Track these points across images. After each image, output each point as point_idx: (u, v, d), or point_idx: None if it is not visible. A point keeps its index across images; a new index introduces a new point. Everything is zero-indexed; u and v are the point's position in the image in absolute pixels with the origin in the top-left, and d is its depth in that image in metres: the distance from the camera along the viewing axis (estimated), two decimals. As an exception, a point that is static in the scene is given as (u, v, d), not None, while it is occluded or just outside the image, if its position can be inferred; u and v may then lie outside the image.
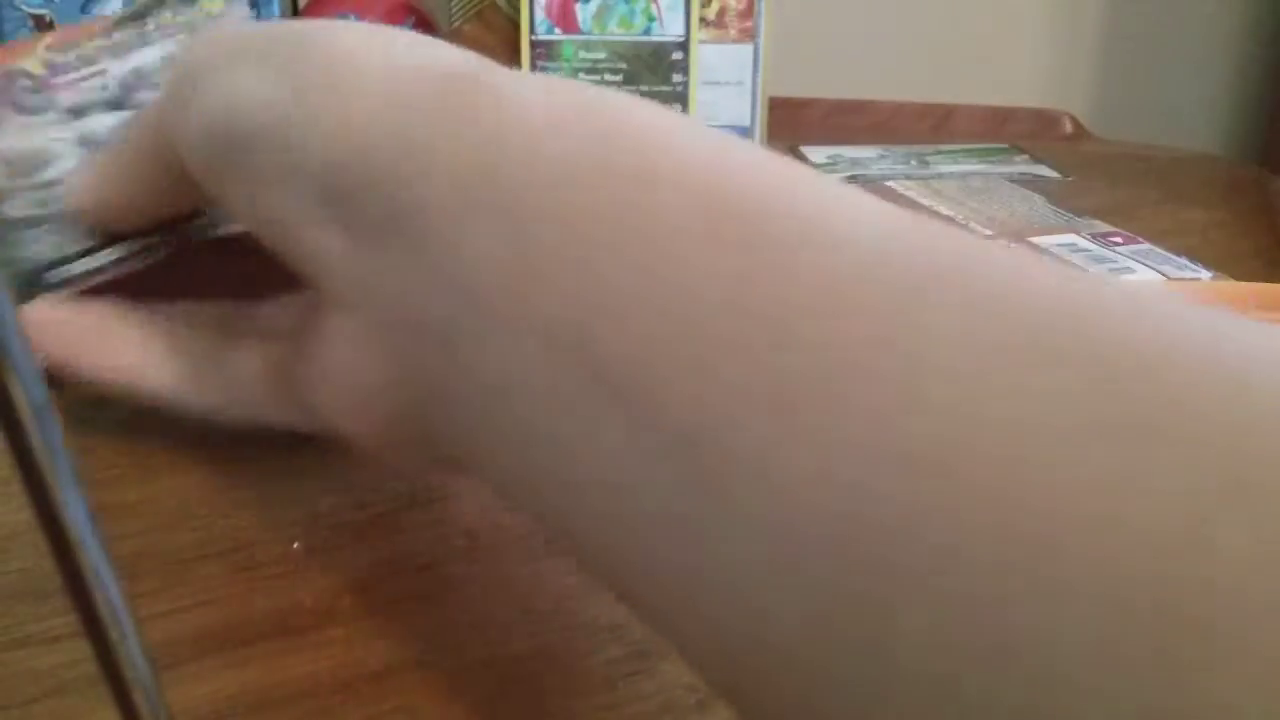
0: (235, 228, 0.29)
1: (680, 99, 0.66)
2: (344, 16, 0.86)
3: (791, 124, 0.74)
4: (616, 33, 0.64)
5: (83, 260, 0.29)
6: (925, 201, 0.57)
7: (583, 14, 0.64)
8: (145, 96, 0.31)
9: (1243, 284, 0.42)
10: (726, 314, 0.15)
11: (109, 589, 0.12)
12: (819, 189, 0.17)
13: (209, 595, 0.24)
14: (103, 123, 0.30)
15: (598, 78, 0.67)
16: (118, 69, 0.30)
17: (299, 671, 0.22)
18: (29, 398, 0.11)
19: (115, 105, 0.30)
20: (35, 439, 0.11)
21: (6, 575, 0.24)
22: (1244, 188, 0.65)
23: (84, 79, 0.30)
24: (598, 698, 0.22)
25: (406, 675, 0.22)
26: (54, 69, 0.30)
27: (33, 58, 0.31)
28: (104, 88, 0.30)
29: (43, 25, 0.88)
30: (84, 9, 0.88)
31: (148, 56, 0.31)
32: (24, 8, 0.86)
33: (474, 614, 0.24)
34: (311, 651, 0.22)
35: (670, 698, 0.22)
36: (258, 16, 0.88)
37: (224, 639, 0.23)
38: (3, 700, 0.21)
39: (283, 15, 0.90)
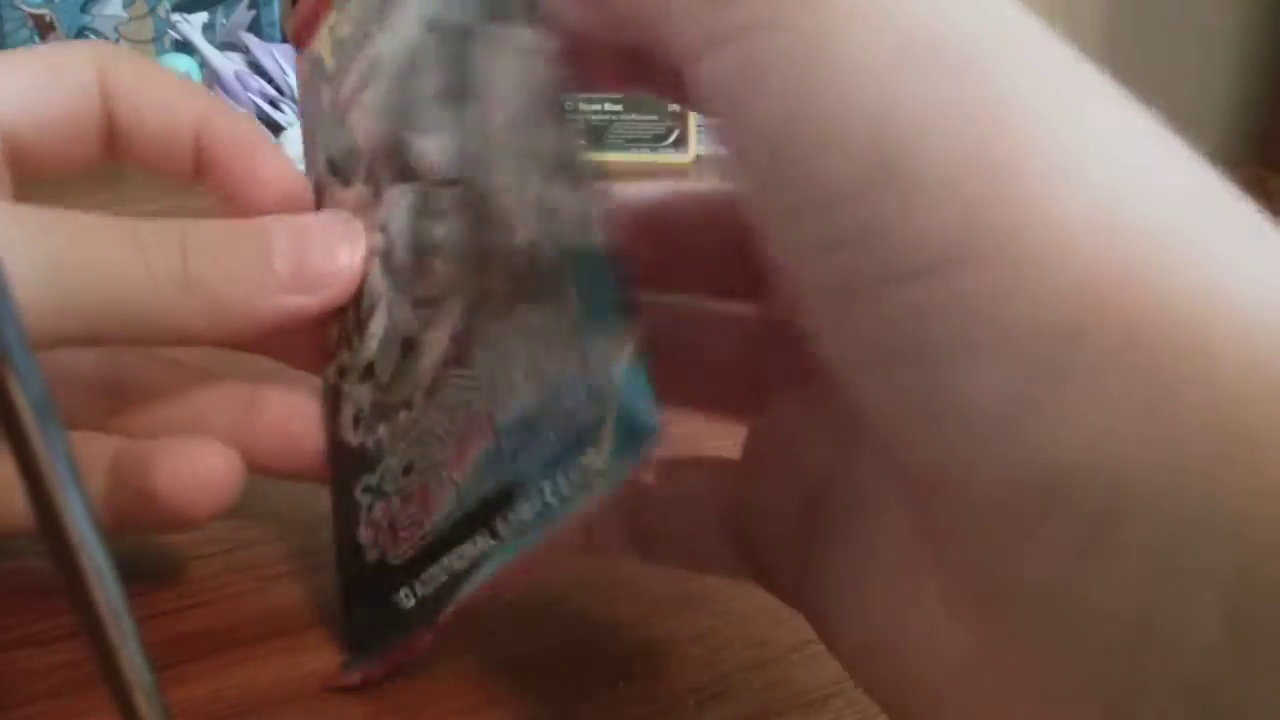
0: None
1: (678, 116, 0.66)
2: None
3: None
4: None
5: None
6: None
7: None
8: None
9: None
10: None
11: (109, 589, 0.12)
12: None
13: (209, 595, 0.24)
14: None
15: (598, 106, 0.67)
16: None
17: (299, 671, 0.22)
18: (29, 398, 0.11)
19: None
20: (35, 439, 0.11)
21: (6, 575, 0.24)
22: (1244, 188, 0.65)
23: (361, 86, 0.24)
24: (598, 698, 0.22)
25: (406, 676, 0.22)
26: (340, 56, 0.25)
27: (323, 40, 0.25)
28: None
29: (43, 25, 0.88)
30: (84, 9, 0.88)
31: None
32: (24, 7, 0.86)
33: (474, 614, 0.24)
34: (311, 652, 0.22)
35: (670, 698, 0.22)
36: (257, 16, 0.88)
37: (224, 639, 0.23)
38: (3, 700, 0.21)
39: (282, 13, 0.90)
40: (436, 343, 0.22)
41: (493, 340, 0.21)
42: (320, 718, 0.21)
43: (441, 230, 0.22)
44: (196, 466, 0.22)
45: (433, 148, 0.22)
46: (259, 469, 0.23)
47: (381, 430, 0.22)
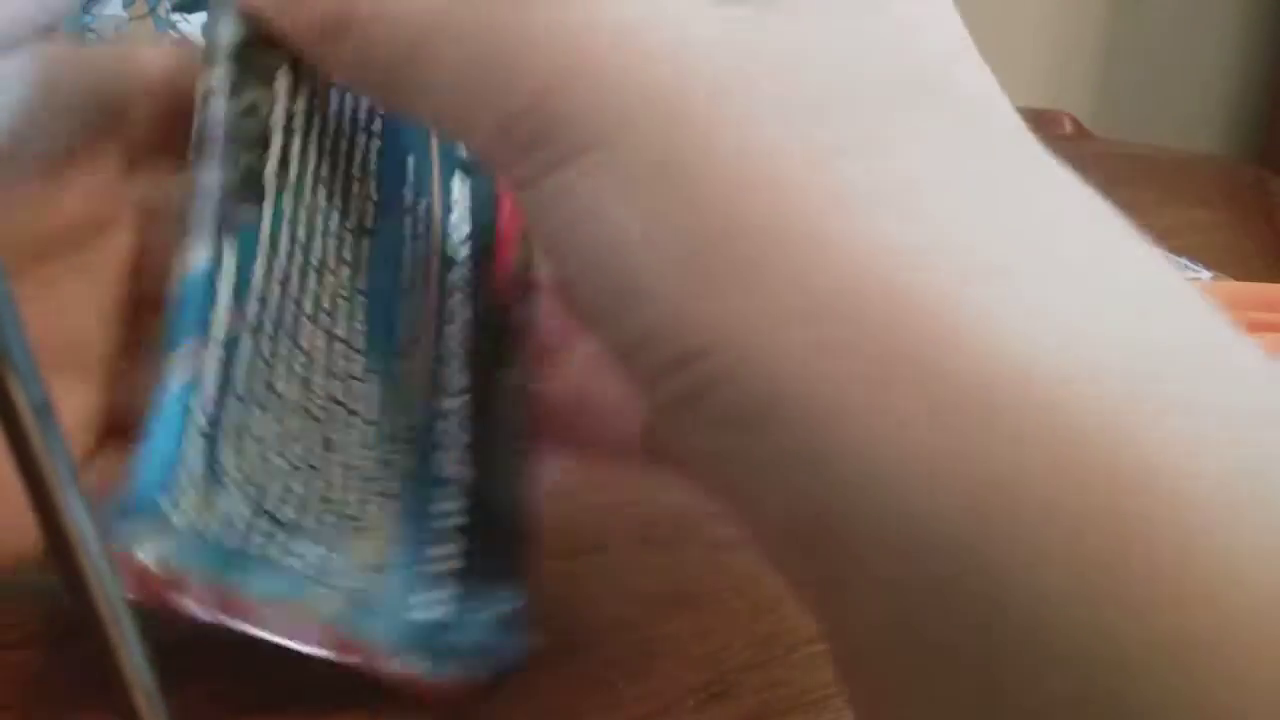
0: None
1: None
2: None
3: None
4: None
5: None
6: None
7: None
8: None
9: (1243, 284, 0.42)
10: None
11: (109, 589, 0.12)
12: None
13: (209, 595, 0.24)
14: None
15: None
16: None
17: (299, 672, 0.22)
18: (29, 398, 0.11)
19: None
20: (35, 439, 0.11)
21: (6, 575, 0.24)
22: (1244, 188, 0.65)
23: None
24: (598, 698, 0.22)
25: (406, 675, 0.22)
26: None
27: None
28: None
29: (43, 25, 0.87)
30: (85, 9, 0.88)
31: None
32: (24, 8, 0.86)
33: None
34: (311, 651, 0.22)
35: (670, 698, 0.22)
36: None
37: (223, 638, 0.23)
38: (3, 700, 0.21)
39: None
40: None
41: None
42: (319, 717, 0.21)
43: None
44: None
45: None
46: None
47: None
